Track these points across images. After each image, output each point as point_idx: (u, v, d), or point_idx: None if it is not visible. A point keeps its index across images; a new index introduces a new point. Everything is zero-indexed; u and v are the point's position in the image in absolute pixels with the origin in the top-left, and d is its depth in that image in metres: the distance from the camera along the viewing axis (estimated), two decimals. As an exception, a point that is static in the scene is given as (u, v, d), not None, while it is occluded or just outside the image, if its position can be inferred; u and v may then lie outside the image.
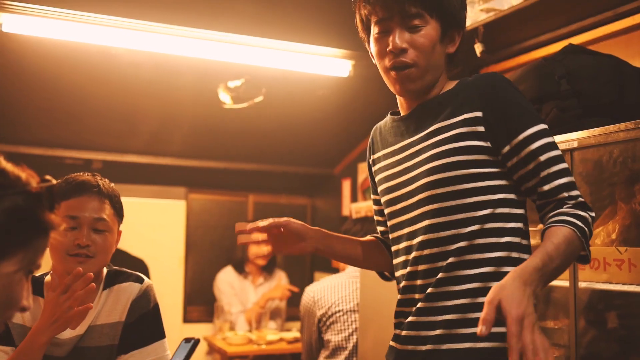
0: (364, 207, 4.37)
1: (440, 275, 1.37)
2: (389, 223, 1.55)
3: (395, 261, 1.53)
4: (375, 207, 1.71)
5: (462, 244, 1.36)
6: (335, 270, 3.86)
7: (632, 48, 2.46)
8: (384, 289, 2.14)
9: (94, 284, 1.61)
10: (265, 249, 1.58)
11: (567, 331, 1.96)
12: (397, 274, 1.52)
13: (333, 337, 2.95)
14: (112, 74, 3.52)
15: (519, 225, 1.39)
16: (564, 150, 1.91)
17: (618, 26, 2.46)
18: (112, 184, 1.81)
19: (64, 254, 1.66)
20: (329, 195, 5.04)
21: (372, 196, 1.70)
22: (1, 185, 0.96)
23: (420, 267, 1.42)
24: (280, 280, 4.52)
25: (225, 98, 3.70)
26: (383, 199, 1.55)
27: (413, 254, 1.43)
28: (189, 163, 4.52)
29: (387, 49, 1.42)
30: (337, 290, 3.02)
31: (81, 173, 1.78)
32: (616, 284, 1.80)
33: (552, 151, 1.35)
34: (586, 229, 1.30)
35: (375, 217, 1.72)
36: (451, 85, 1.48)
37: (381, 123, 1.64)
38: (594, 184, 1.94)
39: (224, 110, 3.84)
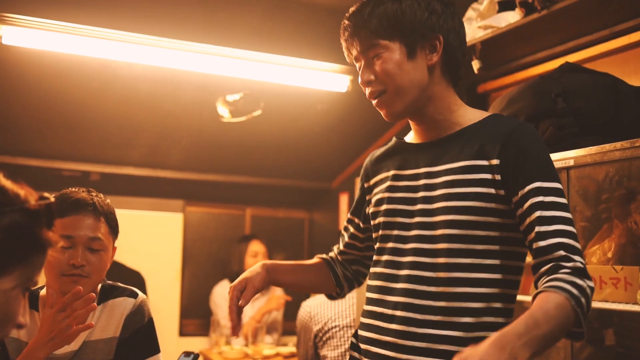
0: (361, 222, 4.37)
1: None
2: (379, 242, 1.54)
3: (375, 270, 1.54)
4: (348, 225, 1.73)
5: (465, 289, 1.36)
6: (332, 285, 3.86)
7: (628, 66, 2.47)
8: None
9: (95, 303, 1.62)
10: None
11: (563, 349, 1.96)
12: (374, 283, 1.53)
13: (329, 352, 2.94)
14: (111, 86, 3.53)
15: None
16: (560, 169, 1.92)
17: (614, 44, 2.48)
18: (108, 200, 1.80)
19: (58, 274, 1.65)
20: (327, 209, 5.05)
21: (350, 215, 1.72)
22: (0, 202, 0.96)
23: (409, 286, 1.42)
24: (274, 292, 4.51)
25: (223, 112, 3.72)
26: (381, 219, 1.53)
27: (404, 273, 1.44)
28: (187, 176, 4.53)
29: (360, 84, 1.50)
30: (334, 305, 3.01)
31: (76, 189, 1.76)
32: (612, 302, 1.80)
33: (557, 211, 1.30)
34: (583, 299, 1.21)
35: (344, 232, 1.75)
36: (478, 115, 1.47)
37: (380, 149, 1.66)
38: (590, 202, 1.94)
39: (223, 123, 3.85)
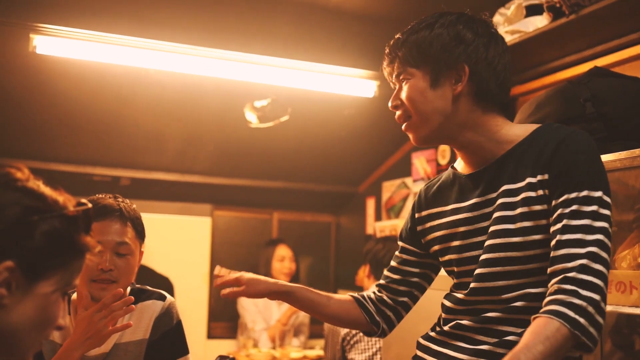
0: (387, 226, 4.37)
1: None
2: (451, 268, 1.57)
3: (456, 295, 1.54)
4: (398, 254, 1.74)
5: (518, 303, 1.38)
6: (360, 289, 3.87)
7: (657, 70, 2.46)
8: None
9: (133, 305, 1.66)
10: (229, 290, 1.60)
11: (593, 355, 1.94)
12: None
13: (357, 356, 2.96)
14: (141, 94, 3.59)
15: None
16: (589, 174, 1.91)
17: (643, 49, 2.47)
18: (134, 206, 1.83)
19: (87, 279, 1.69)
20: (354, 213, 5.06)
21: (400, 243, 1.74)
22: (40, 209, 0.99)
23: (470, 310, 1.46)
24: None
25: (251, 117, 3.75)
26: (446, 257, 1.56)
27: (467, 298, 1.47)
28: (215, 180, 4.57)
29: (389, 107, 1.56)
30: (361, 309, 3.02)
31: (103, 195, 1.79)
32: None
33: (583, 219, 1.28)
34: (582, 319, 1.20)
35: (393, 263, 1.76)
36: (524, 131, 1.46)
37: (434, 180, 1.67)
38: (620, 207, 1.93)
39: (250, 129, 3.89)
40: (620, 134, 1.96)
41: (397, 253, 1.76)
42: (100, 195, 1.79)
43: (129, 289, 1.83)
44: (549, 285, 1.29)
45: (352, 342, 2.98)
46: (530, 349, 1.18)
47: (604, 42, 2.58)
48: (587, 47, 2.65)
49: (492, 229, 1.41)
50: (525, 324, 1.30)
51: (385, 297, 1.72)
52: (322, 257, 5.22)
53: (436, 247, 1.59)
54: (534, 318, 1.24)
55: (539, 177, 1.36)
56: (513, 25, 2.69)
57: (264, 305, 4.44)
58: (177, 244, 4.49)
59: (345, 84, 3.59)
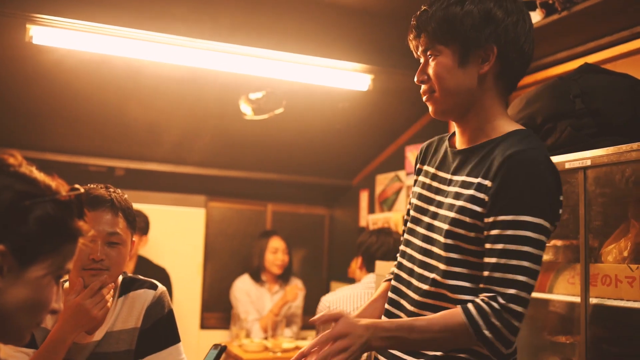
0: (380, 219, 4.40)
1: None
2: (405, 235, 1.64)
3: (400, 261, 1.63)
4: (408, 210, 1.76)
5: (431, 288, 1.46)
6: (352, 281, 3.90)
7: (648, 67, 2.48)
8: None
9: (111, 292, 1.69)
10: None
11: (577, 345, 1.98)
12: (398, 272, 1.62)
13: (347, 347, 2.98)
14: (136, 85, 3.60)
15: None
16: (577, 169, 1.94)
17: (634, 45, 2.49)
18: (125, 196, 1.84)
19: (78, 268, 1.71)
20: (347, 206, 5.08)
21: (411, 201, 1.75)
22: (32, 194, 1.01)
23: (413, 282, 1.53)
24: (290, 284, 4.57)
25: (246, 109, 3.76)
26: (411, 213, 1.63)
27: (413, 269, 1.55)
28: (210, 172, 4.59)
29: (415, 81, 1.56)
30: (353, 301, 3.05)
31: (95, 186, 1.80)
32: (627, 300, 1.82)
33: (518, 245, 1.33)
34: (483, 327, 1.30)
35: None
36: (506, 128, 1.48)
37: (437, 139, 1.69)
38: (607, 202, 1.96)
39: (245, 121, 3.90)
40: (609, 130, 1.99)
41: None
42: (92, 186, 1.80)
43: (120, 277, 1.85)
44: (480, 294, 1.37)
45: (343, 332, 3.01)
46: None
47: (596, 38, 2.60)
48: (580, 44, 2.68)
49: (438, 211, 1.50)
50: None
51: None
52: (316, 249, 5.25)
53: (413, 202, 1.64)
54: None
55: (486, 182, 1.40)
56: (506, 20, 2.71)
57: (257, 295, 4.47)
58: (171, 235, 4.51)
59: (340, 77, 3.60)
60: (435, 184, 1.57)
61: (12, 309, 1.00)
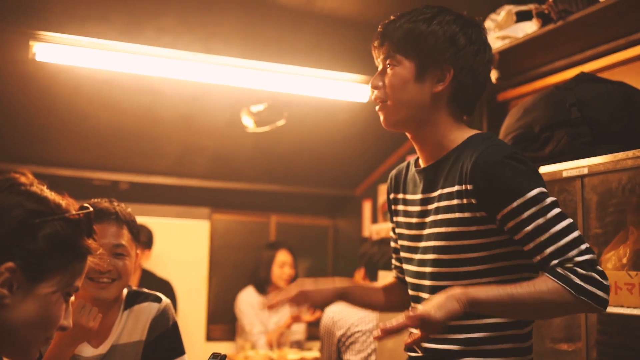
0: (384, 229, 4.41)
1: None
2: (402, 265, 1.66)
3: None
4: (392, 235, 1.77)
5: None
6: (355, 291, 3.90)
7: (644, 74, 2.50)
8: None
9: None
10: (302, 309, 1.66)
11: (578, 351, 1.99)
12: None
13: (352, 357, 3.00)
14: (140, 100, 3.63)
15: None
16: (574, 177, 1.97)
17: (631, 53, 2.51)
18: (129, 209, 1.88)
19: (85, 280, 1.74)
20: (350, 216, 5.09)
21: (391, 224, 1.77)
22: (42, 212, 1.03)
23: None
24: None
25: (248, 122, 3.79)
26: (399, 242, 1.65)
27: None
28: (213, 184, 4.61)
29: (370, 86, 1.59)
30: (357, 311, 3.06)
31: (99, 200, 1.85)
32: (627, 307, 1.83)
33: (539, 219, 1.35)
34: (582, 283, 1.30)
35: (392, 245, 1.79)
36: (461, 136, 1.51)
37: (402, 165, 1.72)
38: (605, 210, 1.98)
39: (247, 133, 3.93)
40: (605, 138, 2.01)
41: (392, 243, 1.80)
42: (97, 200, 1.84)
43: (125, 291, 1.88)
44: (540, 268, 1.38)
45: (347, 343, 3.02)
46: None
47: (592, 47, 2.62)
48: (576, 52, 2.69)
49: (433, 230, 1.49)
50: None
51: None
52: (320, 260, 5.25)
53: (398, 231, 1.66)
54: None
55: (464, 187, 1.42)
56: (504, 30, 2.74)
57: (262, 308, 4.46)
58: (176, 248, 4.52)
59: (340, 89, 3.63)
60: (413, 208, 1.58)
61: (21, 324, 1.02)
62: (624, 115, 2.01)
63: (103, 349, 1.78)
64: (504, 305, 1.32)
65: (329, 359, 3.13)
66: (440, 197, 1.49)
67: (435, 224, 1.48)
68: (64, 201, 1.08)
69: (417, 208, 1.56)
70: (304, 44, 3.43)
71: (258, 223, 5.08)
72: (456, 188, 1.45)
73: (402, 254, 1.63)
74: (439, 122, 1.53)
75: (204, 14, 3.15)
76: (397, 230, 1.66)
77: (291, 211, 5.16)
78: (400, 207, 1.65)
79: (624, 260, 1.90)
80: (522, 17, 2.71)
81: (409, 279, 1.60)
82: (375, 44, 1.57)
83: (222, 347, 4.60)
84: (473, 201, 1.41)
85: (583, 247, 1.33)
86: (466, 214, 1.43)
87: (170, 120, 3.87)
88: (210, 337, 4.67)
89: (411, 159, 1.69)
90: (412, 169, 1.64)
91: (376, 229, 4.54)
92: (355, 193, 5.01)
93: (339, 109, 3.93)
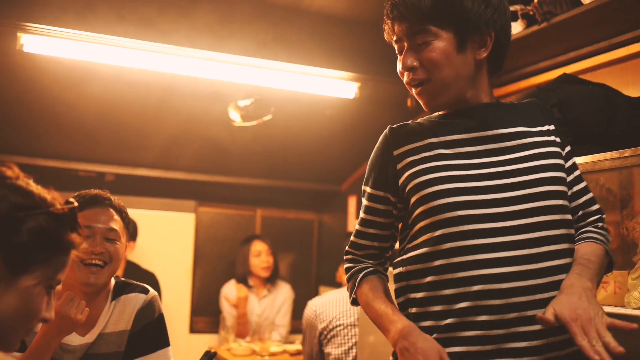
0: (368, 224, 4.43)
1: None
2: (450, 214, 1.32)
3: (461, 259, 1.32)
4: (376, 218, 1.49)
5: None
6: (340, 285, 3.94)
7: (626, 76, 2.54)
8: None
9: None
10: None
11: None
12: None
13: (333, 350, 3.03)
14: (127, 92, 3.63)
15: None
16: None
17: (613, 55, 2.55)
18: (121, 202, 1.93)
19: (78, 262, 1.77)
20: (336, 211, 5.12)
21: (374, 204, 1.49)
22: (27, 206, 1.04)
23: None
24: (282, 288, 4.60)
25: (235, 116, 3.80)
26: (442, 186, 1.33)
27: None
28: (199, 177, 4.62)
29: (399, 70, 1.42)
30: (338, 304, 3.09)
31: (92, 189, 1.89)
32: (602, 305, 1.86)
33: (583, 181, 1.50)
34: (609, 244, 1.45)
35: (370, 230, 1.50)
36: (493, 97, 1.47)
37: (401, 123, 1.50)
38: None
39: (234, 127, 3.94)
40: (586, 139, 2.04)
41: (365, 213, 1.52)
42: (90, 190, 1.89)
43: (113, 281, 1.90)
44: (582, 224, 1.47)
45: (329, 336, 3.05)
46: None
47: (575, 48, 2.66)
48: (560, 54, 2.73)
49: (529, 165, 1.35)
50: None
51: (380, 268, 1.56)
52: (305, 254, 5.28)
53: (428, 190, 1.35)
54: (581, 242, 1.41)
55: (547, 127, 1.45)
56: (489, 31, 2.76)
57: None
58: (161, 240, 4.53)
59: (327, 85, 3.65)
60: (473, 147, 1.37)
61: (3, 316, 1.02)
62: (603, 117, 2.04)
63: (90, 337, 1.81)
64: (597, 282, 1.37)
65: (310, 351, 3.16)
66: (527, 134, 1.38)
67: (528, 158, 1.35)
68: (49, 195, 1.08)
69: (481, 147, 1.37)
70: (291, 40, 3.44)
71: (244, 216, 5.10)
72: (540, 128, 1.43)
73: (456, 198, 1.31)
74: (480, 88, 1.42)
75: (193, 8, 3.16)
76: (436, 175, 1.34)
77: (277, 205, 5.19)
78: (437, 152, 1.38)
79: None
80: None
81: (465, 227, 1.29)
82: (394, 15, 1.38)
83: (206, 339, 4.62)
84: (557, 139, 1.44)
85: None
86: (556, 149, 1.42)
87: (156, 112, 3.87)
88: (193, 329, 4.69)
89: (416, 118, 1.53)
90: (434, 117, 1.46)
91: (361, 225, 4.55)
92: (341, 188, 5.04)
93: (326, 104, 3.95)
